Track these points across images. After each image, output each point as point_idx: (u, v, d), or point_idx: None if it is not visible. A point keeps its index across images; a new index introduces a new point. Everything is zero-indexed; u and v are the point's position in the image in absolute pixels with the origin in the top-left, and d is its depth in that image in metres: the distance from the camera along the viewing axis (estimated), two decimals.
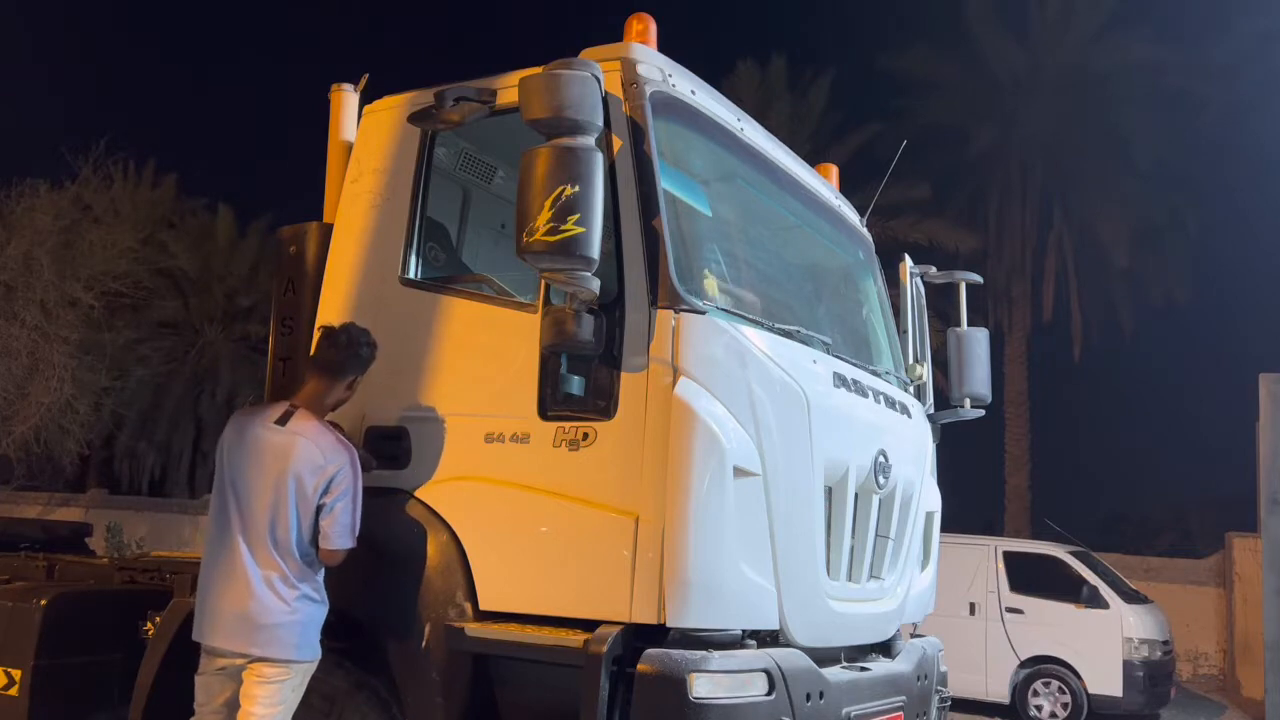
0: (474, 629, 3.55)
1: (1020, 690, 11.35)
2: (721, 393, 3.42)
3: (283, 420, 3.69)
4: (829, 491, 3.91)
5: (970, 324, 5.53)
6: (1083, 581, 11.38)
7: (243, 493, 3.63)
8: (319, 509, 3.60)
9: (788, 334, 3.84)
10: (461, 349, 3.90)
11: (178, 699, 3.77)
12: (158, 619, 4.29)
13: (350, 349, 3.80)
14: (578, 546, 3.46)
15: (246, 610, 3.54)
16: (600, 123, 3.35)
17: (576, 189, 3.17)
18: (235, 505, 3.64)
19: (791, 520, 3.63)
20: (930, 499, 4.88)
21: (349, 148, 4.43)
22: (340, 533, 3.61)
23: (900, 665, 4.38)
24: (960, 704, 10.10)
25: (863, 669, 4.05)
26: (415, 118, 4.05)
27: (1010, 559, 11.81)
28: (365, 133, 4.38)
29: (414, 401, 3.93)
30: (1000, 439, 21.35)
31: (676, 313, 3.41)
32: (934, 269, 5.69)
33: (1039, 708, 11.25)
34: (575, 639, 3.34)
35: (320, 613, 3.67)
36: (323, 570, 3.70)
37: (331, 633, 3.80)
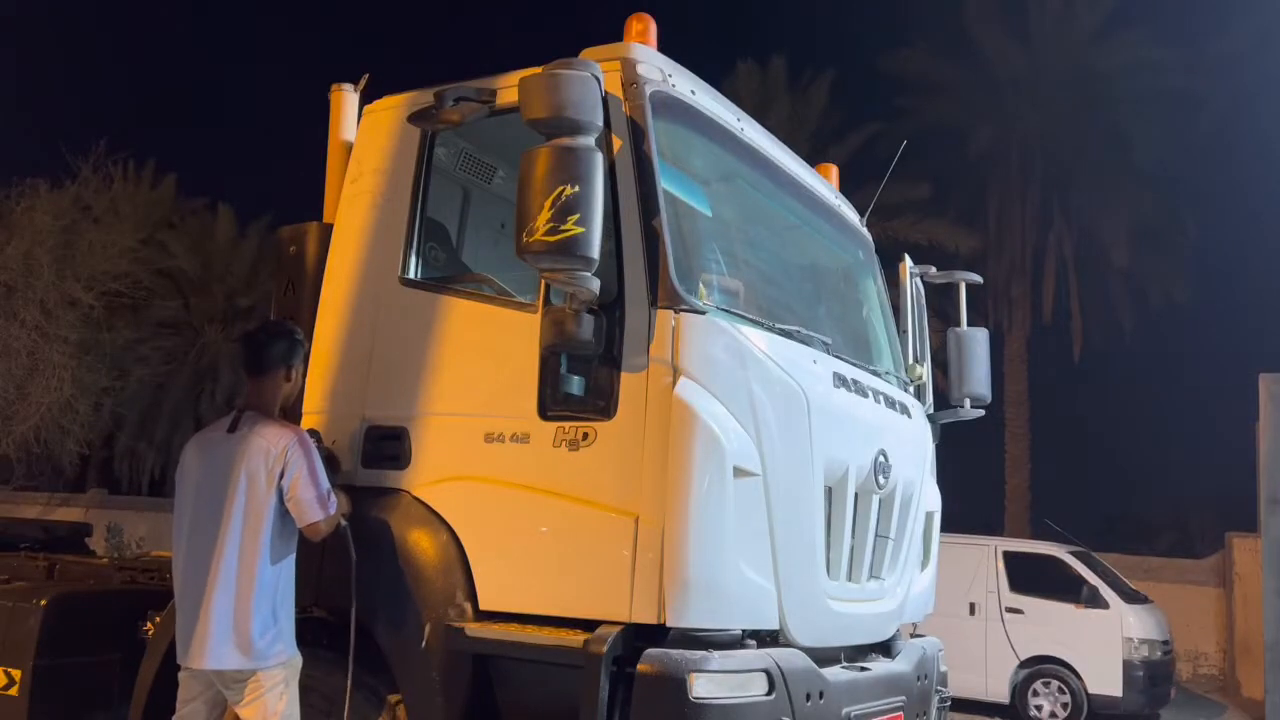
0: (474, 629, 3.55)
1: (1020, 690, 11.35)
2: (721, 393, 3.42)
3: (233, 427, 3.74)
4: (829, 491, 3.91)
5: (970, 324, 5.53)
6: (1083, 581, 11.39)
7: (209, 508, 3.65)
8: (280, 494, 3.62)
9: (788, 334, 3.83)
10: (461, 349, 3.90)
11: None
12: (158, 619, 4.29)
13: (270, 343, 3.88)
14: (578, 546, 3.47)
15: (230, 629, 3.54)
16: (600, 123, 3.35)
17: (576, 189, 3.17)
18: (204, 523, 3.65)
19: (791, 520, 3.63)
20: (930, 499, 4.88)
21: (349, 148, 4.43)
22: (309, 506, 3.62)
23: (900, 665, 4.38)
24: (960, 704, 10.09)
25: (863, 669, 4.05)
26: (415, 118, 4.05)
27: (1010, 559, 11.81)
28: (365, 133, 4.38)
29: (414, 401, 3.93)
30: (1000, 439, 21.35)
31: (676, 313, 3.40)
32: (934, 269, 5.69)
33: (1039, 708, 11.26)
34: (575, 639, 3.34)
35: (292, 608, 3.70)
36: (293, 564, 3.72)
37: (331, 633, 3.80)
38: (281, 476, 3.61)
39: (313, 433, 3.98)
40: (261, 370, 3.87)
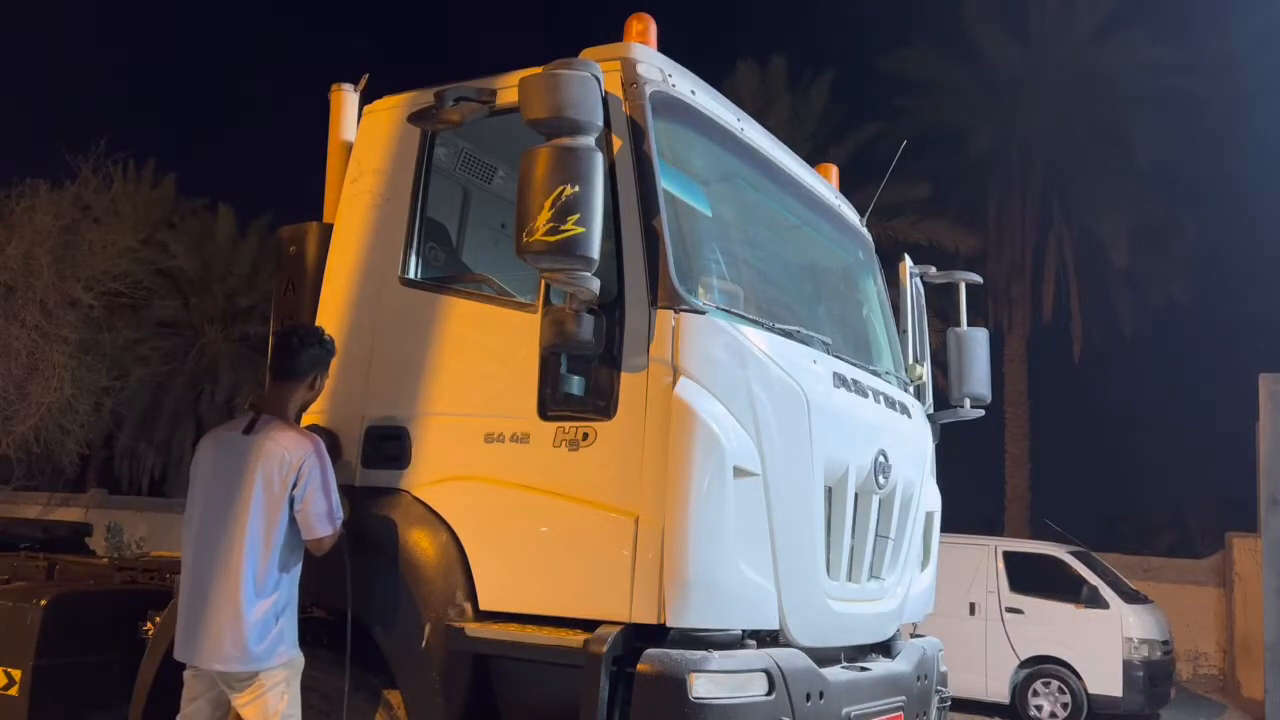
0: (474, 629, 3.55)
1: (1020, 690, 11.35)
2: (721, 393, 3.42)
3: (249, 429, 3.72)
4: (829, 491, 3.91)
5: (970, 324, 5.53)
6: (1083, 581, 11.38)
7: (220, 508, 3.65)
8: (291, 503, 3.61)
9: (788, 334, 3.83)
10: (461, 349, 3.89)
11: (178, 699, 3.77)
12: (158, 619, 4.29)
13: (302, 350, 3.86)
14: (578, 546, 3.46)
15: (233, 629, 3.54)
16: (600, 123, 3.35)
17: (576, 189, 3.17)
18: (214, 522, 3.65)
19: (791, 520, 3.62)
20: (930, 499, 4.88)
21: (349, 148, 4.42)
22: (318, 520, 3.63)
23: (900, 665, 4.38)
24: (960, 704, 10.09)
25: (863, 669, 4.05)
26: (415, 118, 4.05)
27: (1010, 559, 11.81)
28: (365, 133, 4.38)
29: (414, 401, 3.92)
30: (1000, 439, 21.37)
31: (676, 313, 3.40)
32: (934, 269, 5.69)
33: (1039, 708, 11.25)
34: (575, 639, 3.33)
35: (295, 609, 3.70)
36: (300, 569, 3.72)
37: (331, 633, 3.80)
38: (294, 486, 3.60)
39: (315, 427, 3.99)
40: (289, 375, 3.85)
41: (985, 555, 11.78)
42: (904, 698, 4.22)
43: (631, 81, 3.65)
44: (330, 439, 3.91)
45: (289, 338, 3.93)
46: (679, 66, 3.96)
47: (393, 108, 4.29)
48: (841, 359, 4.17)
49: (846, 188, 5.45)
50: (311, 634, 3.81)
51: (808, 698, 3.49)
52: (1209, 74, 19.93)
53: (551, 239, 3.14)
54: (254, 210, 26.67)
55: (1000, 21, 20.99)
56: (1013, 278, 21.41)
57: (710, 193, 4.14)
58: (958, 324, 5.48)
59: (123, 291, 17.08)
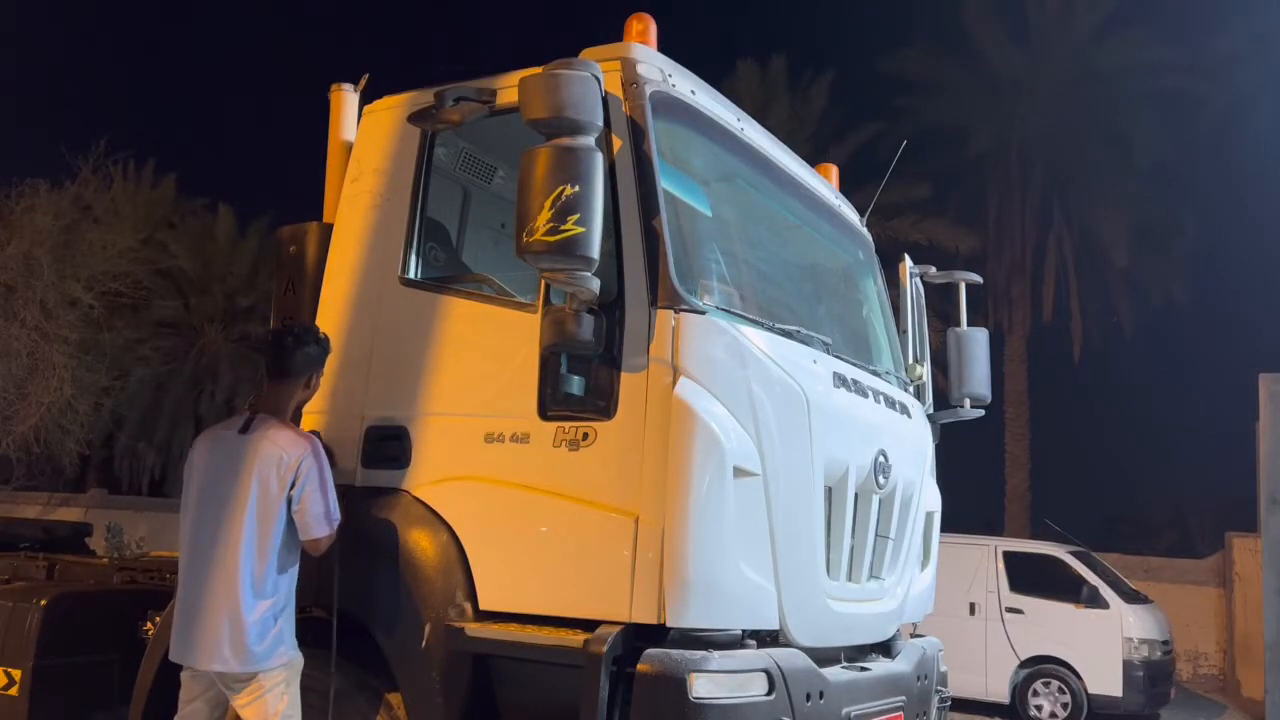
0: (474, 629, 3.55)
1: (1020, 690, 11.35)
2: (721, 393, 3.42)
3: (245, 428, 3.72)
4: (829, 491, 3.91)
5: (970, 324, 5.53)
6: (1083, 581, 11.39)
7: (217, 508, 3.64)
8: (289, 503, 3.61)
9: (788, 334, 3.83)
10: (461, 349, 3.90)
11: (177, 699, 3.77)
12: (158, 619, 4.29)
13: (298, 348, 3.85)
14: (578, 546, 3.46)
15: (232, 630, 3.53)
16: (600, 123, 3.35)
17: (576, 189, 3.17)
18: (210, 522, 3.64)
19: (791, 520, 3.63)
20: (930, 499, 4.88)
21: (349, 148, 4.43)
22: (315, 521, 3.62)
23: (900, 665, 4.38)
24: (960, 704, 10.09)
25: (863, 669, 4.05)
26: (415, 118, 4.05)
27: (1010, 559, 11.82)
28: (365, 133, 4.38)
29: (414, 401, 3.93)
30: (1000, 439, 21.38)
31: (676, 312, 3.40)
32: (934, 269, 5.69)
33: (1039, 708, 11.26)
34: (575, 639, 3.34)
35: (293, 609, 3.70)
36: (297, 569, 3.72)
37: (330, 633, 3.80)
38: (292, 487, 3.60)
39: (314, 434, 3.99)
40: (285, 375, 3.84)
41: (985, 555, 11.79)
42: (904, 698, 4.22)
43: (631, 81, 3.65)
44: (326, 450, 3.91)
45: (283, 337, 3.92)
46: (679, 66, 3.96)
47: (393, 108, 4.29)
48: (841, 359, 4.17)
49: (846, 188, 5.45)
50: (311, 634, 3.82)
51: (808, 698, 3.49)
52: (1209, 74, 19.95)
53: (551, 239, 3.15)
54: (254, 210, 26.73)
55: (1000, 21, 21.01)
56: (1013, 278, 21.41)
57: (710, 193, 4.14)
58: (958, 324, 5.48)
59: (123, 291, 17.06)
